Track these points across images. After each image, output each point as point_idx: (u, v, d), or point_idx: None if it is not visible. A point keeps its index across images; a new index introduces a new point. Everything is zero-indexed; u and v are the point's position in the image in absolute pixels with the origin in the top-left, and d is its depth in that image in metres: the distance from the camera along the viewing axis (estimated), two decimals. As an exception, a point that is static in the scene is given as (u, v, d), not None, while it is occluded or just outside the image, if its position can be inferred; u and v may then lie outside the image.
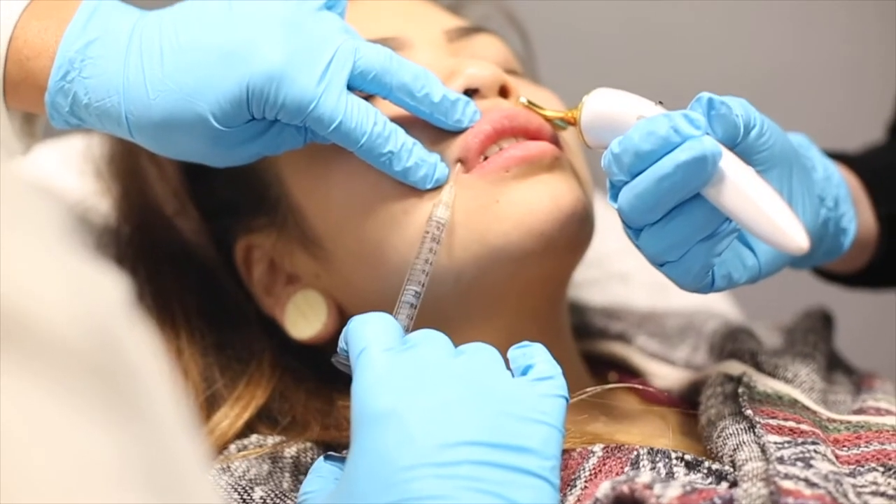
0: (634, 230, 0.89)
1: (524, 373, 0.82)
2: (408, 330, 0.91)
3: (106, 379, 0.46)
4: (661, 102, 0.90)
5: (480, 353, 0.82)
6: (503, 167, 0.97)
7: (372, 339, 0.81)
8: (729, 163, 0.85)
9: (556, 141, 1.00)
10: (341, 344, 0.85)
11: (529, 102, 0.99)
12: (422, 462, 0.75)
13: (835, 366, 1.12)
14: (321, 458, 0.87)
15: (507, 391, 0.79)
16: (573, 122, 0.94)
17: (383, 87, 0.95)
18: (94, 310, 0.47)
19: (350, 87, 0.93)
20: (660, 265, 0.90)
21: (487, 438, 0.76)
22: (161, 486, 0.47)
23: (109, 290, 0.49)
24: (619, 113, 0.90)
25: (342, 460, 0.85)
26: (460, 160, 0.97)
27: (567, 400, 0.81)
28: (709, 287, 0.92)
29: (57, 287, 0.47)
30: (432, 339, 0.82)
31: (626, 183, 0.87)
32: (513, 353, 0.84)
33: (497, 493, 0.75)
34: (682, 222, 0.87)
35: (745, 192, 0.84)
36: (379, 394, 0.78)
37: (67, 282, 0.47)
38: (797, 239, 0.83)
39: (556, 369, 0.82)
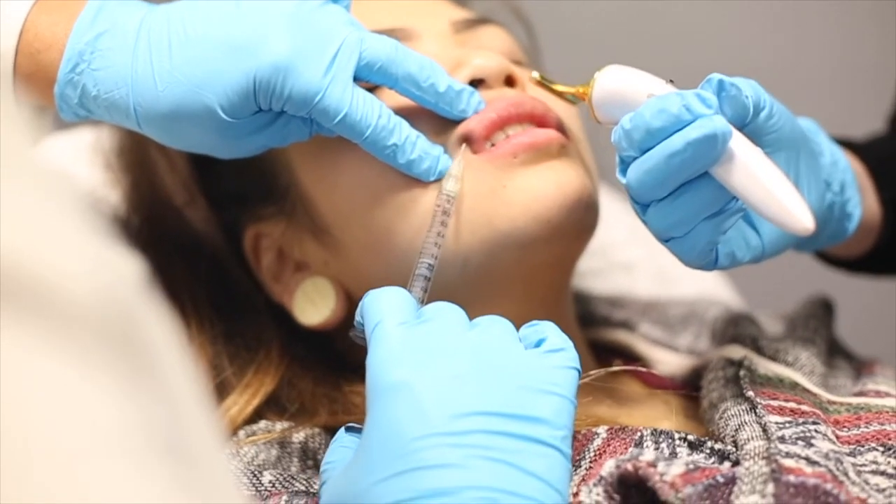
0: (641, 205, 0.91)
1: (537, 346, 0.83)
2: (422, 302, 0.92)
3: (126, 348, 0.48)
4: (671, 81, 0.91)
5: (494, 326, 0.83)
6: (511, 153, 0.98)
7: (387, 313, 0.82)
8: (738, 143, 0.86)
9: (561, 129, 1.01)
10: (357, 318, 0.86)
11: (542, 77, 0.99)
12: (433, 432, 0.76)
13: (835, 352, 1.13)
14: (342, 429, 0.87)
15: (519, 363, 0.80)
16: (584, 98, 0.95)
17: (389, 77, 0.96)
18: (115, 285, 0.49)
19: (356, 79, 0.94)
20: (665, 240, 0.91)
21: (499, 409, 0.77)
22: (177, 454, 0.48)
23: (129, 270, 0.51)
24: (630, 90, 0.91)
25: (358, 431, 0.86)
26: (466, 140, 0.98)
27: (579, 372, 0.82)
28: (712, 264, 0.93)
29: (80, 261, 0.48)
30: (446, 312, 0.83)
31: (635, 159, 0.88)
32: (524, 331, 0.85)
33: (509, 462, 0.75)
34: (689, 199, 0.88)
35: (753, 172, 0.85)
36: (393, 366, 0.79)
37: (90, 257, 0.48)
38: (803, 220, 0.85)
39: (567, 342, 0.83)
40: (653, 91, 0.90)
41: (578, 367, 0.82)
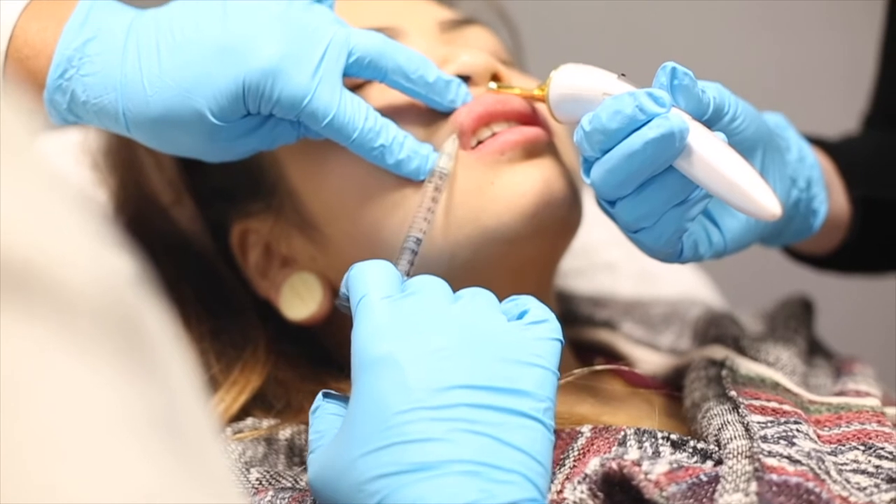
0: (608, 202, 0.92)
1: (519, 318, 0.84)
2: (408, 275, 0.93)
3: (125, 336, 0.48)
4: (623, 75, 0.92)
5: (477, 298, 0.84)
6: (499, 150, 0.99)
7: (372, 287, 0.83)
8: (697, 135, 0.87)
9: (546, 126, 1.02)
10: (342, 289, 0.87)
11: (499, 85, 1.01)
12: (416, 405, 0.76)
13: (815, 351, 1.14)
14: (320, 396, 0.88)
15: (502, 335, 0.81)
16: (542, 99, 0.97)
17: (379, 70, 0.96)
18: (113, 276, 0.50)
19: (347, 75, 0.95)
20: (634, 232, 0.93)
21: (482, 381, 0.78)
22: (170, 440, 0.48)
23: (125, 264, 0.51)
24: (585, 89, 0.93)
25: (341, 398, 0.87)
26: (456, 133, 0.99)
27: (562, 343, 0.83)
28: (677, 256, 0.94)
29: (82, 252, 0.49)
30: (430, 285, 0.84)
31: (597, 159, 0.89)
32: (505, 305, 0.85)
33: (491, 435, 0.76)
34: (654, 192, 0.89)
35: (714, 163, 0.86)
36: (377, 340, 0.79)
37: (91, 250, 0.49)
38: (769, 206, 0.85)
39: (549, 314, 0.84)
40: (607, 89, 0.91)
41: (561, 338, 0.83)
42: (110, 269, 0.50)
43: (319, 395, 0.88)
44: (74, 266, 0.48)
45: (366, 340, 0.80)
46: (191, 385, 0.52)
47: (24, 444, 0.44)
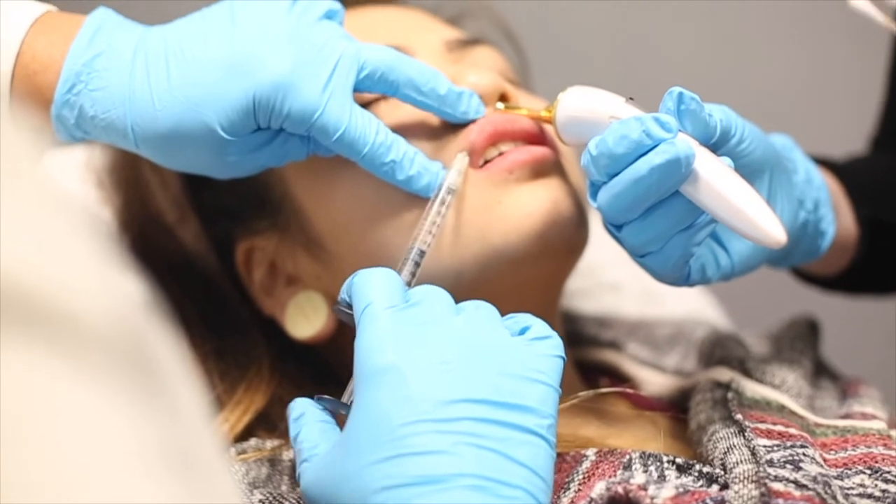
0: (615, 226, 0.92)
1: (521, 333, 0.83)
2: (410, 286, 0.92)
3: (135, 366, 0.48)
4: (631, 98, 0.92)
5: (480, 311, 0.83)
6: (508, 169, 0.99)
7: (376, 296, 0.82)
8: (703, 161, 0.87)
9: (553, 146, 1.02)
10: (343, 295, 0.86)
11: (506, 105, 1.01)
12: (421, 418, 0.76)
13: (821, 372, 1.14)
14: (304, 402, 0.87)
15: (505, 349, 0.80)
16: (549, 121, 0.97)
17: (390, 84, 0.96)
18: (122, 303, 0.49)
19: (358, 90, 0.95)
20: (640, 256, 0.93)
21: (486, 396, 0.77)
22: (184, 472, 0.48)
23: (133, 289, 0.51)
24: (592, 112, 0.93)
25: (331, 403, 0.86)
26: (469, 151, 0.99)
27: (564, 360, 0.82)
28: (685, 280, 0.94)
29: (90, 280, 0.48)
30: (434, 296, 0.83)
31: (604, 183, 0.89)
32: (505, 322, 0.85)
33: (496, 450, 0.75)
34: (661, 216, 0.89)
35: (720, 190, 0.86)
36: (380, 351, 0.79)
37: (99, 276, 0.49)
38: (774, 233, 0.85)
39: (552, 331, 0.83)
40: (614, 112, 0.91)
41: (564, 355, 0.82)
42: (119, 294, 0.50)
43: (302, 401, 0.88)
44: (82, 293, 0.47)
45: (369, 350, 0.80)
46: (199, 411, 0.52)
47: (35, 481, 0.44)
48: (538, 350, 0.81)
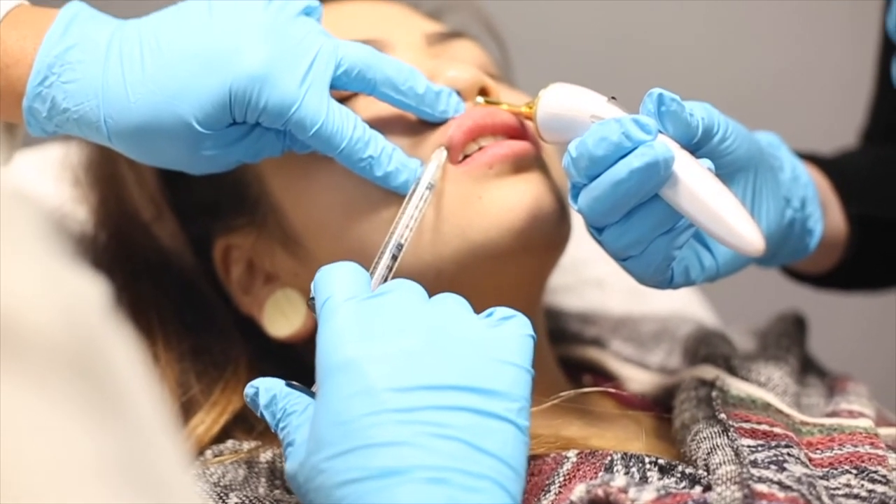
0: (597, 228, 0.91)
1: (487, 317, 0.81)
2: (386, 280, 0.90)
3: (86, 376, 0.47)
4: (613, 98, 0.91)
5: (447, 300, 0.82)
6: (487, 164, 0.98)
7: (336, 289, 0.81)
8: (682, 165, 0.86)
9: (534, 141, 1.00)
10: (312, 292, 0.85)
11: (486, 100, 1.00)
12: (381, 409, 0.74)
13: (808, 369, 1.13)
14: (274, 384, 0.85)
15: (471, 333, 0.79)
16: (530, 117, 0.96)
17: (367, 83, 0.95)
18: (74, 309, 0.48)
19: (334, 87, 0.94)
20: (622, 259, 0.91)
21: (451, 382, 0.75)
22: (141, 483, 0.47)
23: (89, 292, 0.50)
24: (573, 111, 0.92)
25: (303, 389, 0.84)
26: (445, 148, 0.97)
27: (534, 339, 0.80)
28: (668, 283, 0.93)
29: (36, 286, 0.47)
30: (403, 287, 0.82)
31: (585, 185, 0.88)
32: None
33: (460, 439, 0.74)
34: (641, 220, 0.88)
35: (698, 194, 0.85)
36: (339, 344, 0.77)
37: (47, 281, 0.47)
38: (752, 241, 0.84)
39: (516, 311, 0.81)
40: (595, 111, 0.90)
41: (533, 333, 0.80)
42: (73, 299, 0.48)
43: (272, 384, 0.85)
44: (32, 302, 0.46)
45: (329, 344, 0.78)
46: (159, 420, 0.50)
47: None
48: (505, 331, 0.79)
